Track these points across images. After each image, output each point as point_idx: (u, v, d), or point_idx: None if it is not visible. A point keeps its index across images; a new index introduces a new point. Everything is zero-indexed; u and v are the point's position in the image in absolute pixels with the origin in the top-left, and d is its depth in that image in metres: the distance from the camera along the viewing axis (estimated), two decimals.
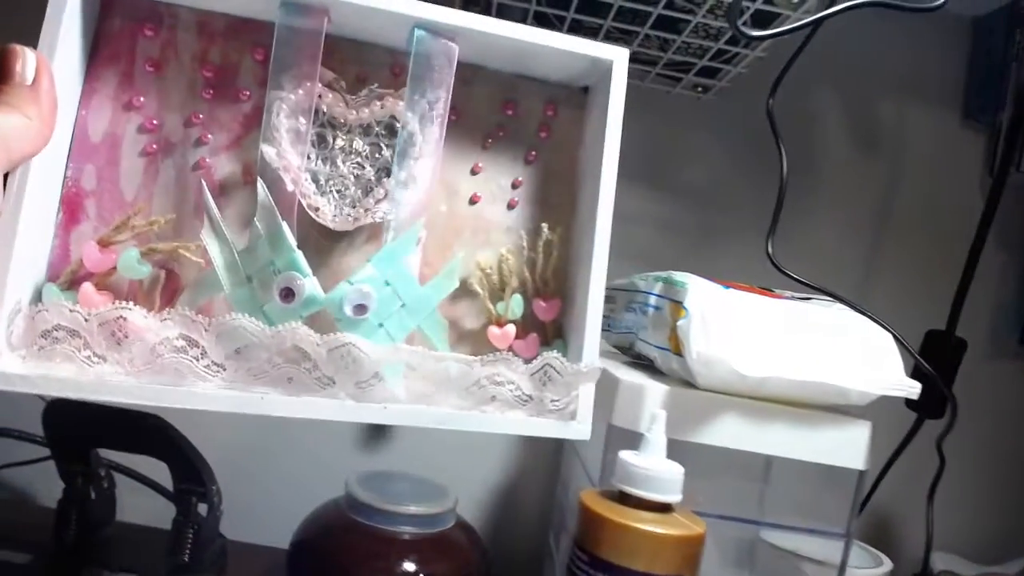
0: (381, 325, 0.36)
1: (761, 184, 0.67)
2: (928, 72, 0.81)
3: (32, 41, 0.32)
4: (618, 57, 0.39)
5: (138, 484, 0.59)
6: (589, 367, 0.37)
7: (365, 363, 0.34)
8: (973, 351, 0.69)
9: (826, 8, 0.55)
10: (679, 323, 0.49)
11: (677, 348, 0.49)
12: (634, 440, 0.43)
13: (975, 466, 0.79)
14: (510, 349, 0.39)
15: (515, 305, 0.39)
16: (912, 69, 0.81)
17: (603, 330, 0.61)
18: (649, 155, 0.77)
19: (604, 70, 0.39)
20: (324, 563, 0.53)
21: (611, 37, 0.66)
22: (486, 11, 0.65)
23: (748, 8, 0.57)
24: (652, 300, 0.55)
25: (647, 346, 0.54)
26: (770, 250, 0.59)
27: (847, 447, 0.48)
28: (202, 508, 0.50)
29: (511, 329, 0.39)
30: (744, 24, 0.54)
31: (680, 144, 0.79)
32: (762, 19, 0.60)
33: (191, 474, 0.49)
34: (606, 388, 0.49)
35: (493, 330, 0.39)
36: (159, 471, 0.52)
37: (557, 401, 0.37)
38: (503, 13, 0.65)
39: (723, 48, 0.64)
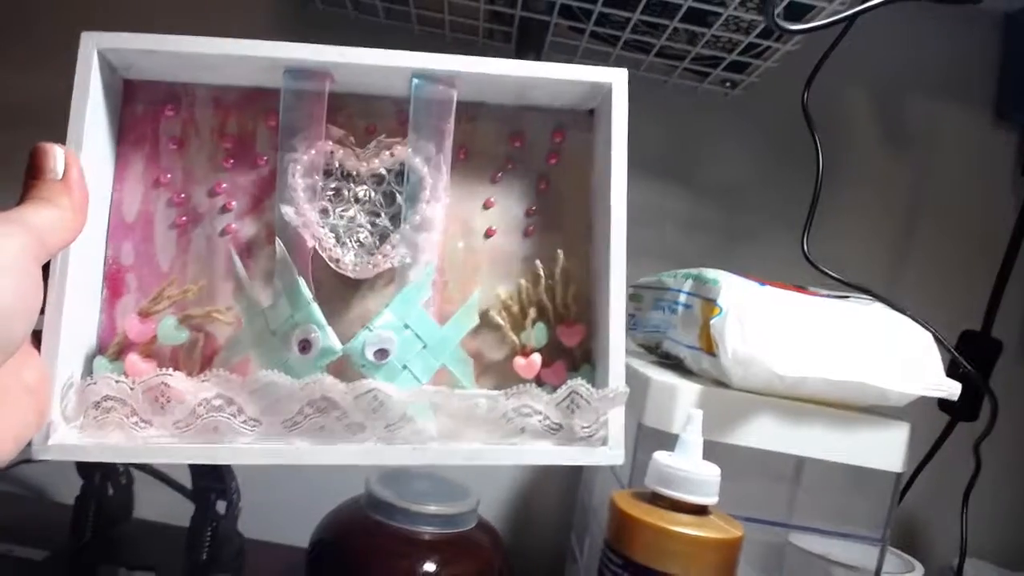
0: (405, 367, 0.37)
1: (789, 181, 0.66)
2: (960, 69, 0.78)
3: (61, 134, 0.35)
4: (617, 79, 0.39)
5: (156, 481, 0.58)
6: (615, 392, 0.37)
7: (392, 406, 0.35)
8: (1008, 353, 0.67)
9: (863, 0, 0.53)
10: (713, 321, 0.48)
11: (710, 347, 0.48)
12: (664, 440, 0.43)
13: (1007, 470, 0.75)
14: (538, 378, 0.39)
15: (538, 333, 0.39)
16: (944, 65, 0.78)
17: (630, 329, 0.62)
18: (676, 152, 0.76)
19: (606, 93, 0.39)
20: (344, 562, 0.53)
21: (638, 31, 0.65)
22: (511, 5, 0.65)
23: (783, 0, 0.56)
24: (682, 298, 0.54)
25: (676, 345, 0.53)
26: (805, 247, 0.57)
27: (884, 449, 0.47)
28: (220, 505, 0.50)
29: (536, 358, 0.39)
30: (778, 16, 0.52)
31: (707, 141, 0.78)
32: (794, 11, 0.58)
33: (210, 471, 0.49)
34: (636, 388, 0.48)
35: (519, 361, 0.39)
36: (177, 468, 0.51)
37: (587, 427, 0.37)
38: (528, 6, 0.65)
39: (754, 42, 0.63)
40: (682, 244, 0.76)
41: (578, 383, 0.37)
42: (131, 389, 0.34)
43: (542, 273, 0.40)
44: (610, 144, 0.39)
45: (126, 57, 0.37)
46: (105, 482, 0.54)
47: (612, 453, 0.37)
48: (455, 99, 0.39)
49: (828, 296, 0.52)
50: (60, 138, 0.34)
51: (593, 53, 0.73)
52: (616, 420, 0.37)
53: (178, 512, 0.53)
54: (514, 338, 0.39)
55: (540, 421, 0.37)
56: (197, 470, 0.50)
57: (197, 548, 0.49)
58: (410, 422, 0.36)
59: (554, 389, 0.38)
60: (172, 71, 0.38)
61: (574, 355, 0.40)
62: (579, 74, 0.39)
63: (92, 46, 0.35)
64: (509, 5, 0.66)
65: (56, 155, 0.33)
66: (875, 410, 0.49)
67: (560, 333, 0.40)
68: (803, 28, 0.53)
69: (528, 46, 0.70)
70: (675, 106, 0.75)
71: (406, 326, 0.38)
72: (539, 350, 0.39)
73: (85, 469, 0.54)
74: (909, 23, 0.75)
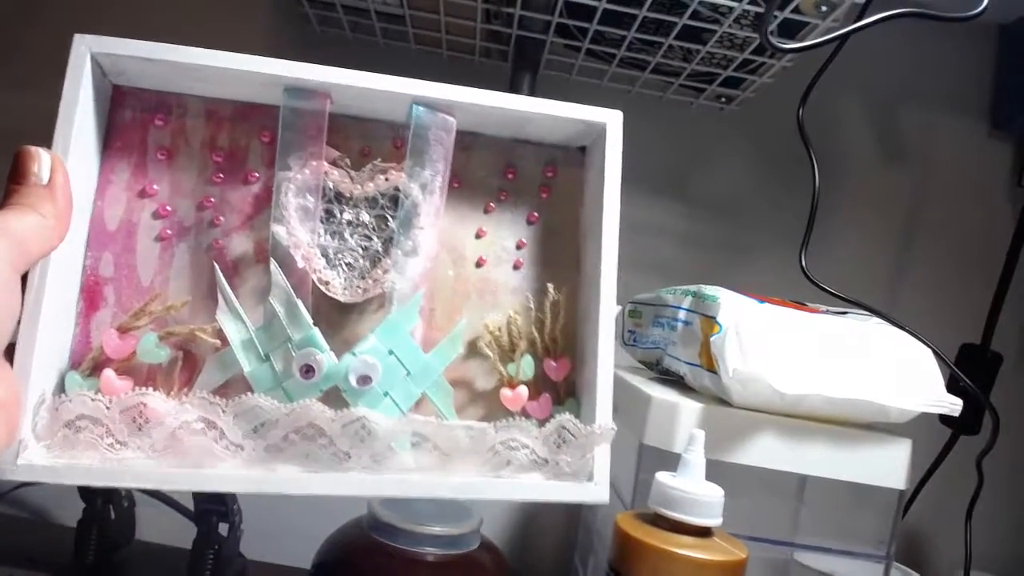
0: (387, 394, 0.37)
1: (786, 196, 0.66)
2: (955, 81, 0.80)
3: (47, 138, 0.33)
4: (611, 120, 0.40)
5: (158, 503, 0.58)
6: (603, 428, 0.37)
7: (380, 435, 0.35)
8: (1008, 365, 0.67)
9: (856, 15, 0.54)
10: (712, 338, 0.48)
11: (710, 364, 0.48)
12: (666, 459, 0.43)
13: (1010, 483, 0.77)
14: (523, 411, 0.39)
15: (526, 366, 0.40)
16: (939, 77, 0.79)
17: (629, 345, 0.62)
18: (671, 168, 0.76)
19: (599, 132, 0.40)
20: None
21: (634, 49, 0.66)
22: (507, 24, 0.66)
23: (776, 18, 0.56)
24: (681, 315, 0.54)
25: (676, 362, 0.53)
26: (804, 263, 0.58)
27: (887, 466, 0.47)
28: (223, 527, 0.50)
29: (523, 391, 0.39)
30: (772, 34, 0.52)
31: (702, 156, 0.78)
32: (789, 28, 0.59)
33: (212, 493, 0.49)
34: (637, 406, 0.48)
35: (505, 392, 0.39)
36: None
37: (572, 463, 0.37)
38: (525, 25, 0.66)
39: (748, 58, 0.64)
40: (679, 259, 0.76)
41: (566, 418, 0.37)
42: (107, 408, 0.33)
43: (532, 305, 0.40)
44: (603, 183, 0.39)
45: (119, 63, 0.36)
46: (107, 505, 0.54)
47: (597, 490, 0.37)
48: (454, 128, 0.39)
49: (827, 312, 0.52)
50: (40, 139, 0.33)
51: (589, 71, 0.74)
52: (602, 456, 0.37)
53: (180, 534, 0.52)
54: (502, 369, 0.39)
55: (527, 455, 0.37)
56: (199, 492, 0.49)
57: (199, 570, 0.49)
58: (395, 453, 0.35)
59: (539, 422, 0.38)
60: (165, 80, 0.37)
61: (559, 389, 0.40)
62: (575, 112, 0.40)
63: (85, 49, 0.34)
64: (505, 24, 0.66)
65: (41, 159, 0.32)
66: (876, 426, 0.49)
67: (547, 366, 0.40)
68: (796, 47, 0.53)
69: (524, 65, 0.71)
70: (671, 122, 0.75)
71: (390, 352, 0.38)
72: (526, 382, 0.39)
73: (87, 492, 0.53)
74: (904, 36, 0.76)
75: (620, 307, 0.44)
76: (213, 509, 0.49)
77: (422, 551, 0.53)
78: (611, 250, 0.39)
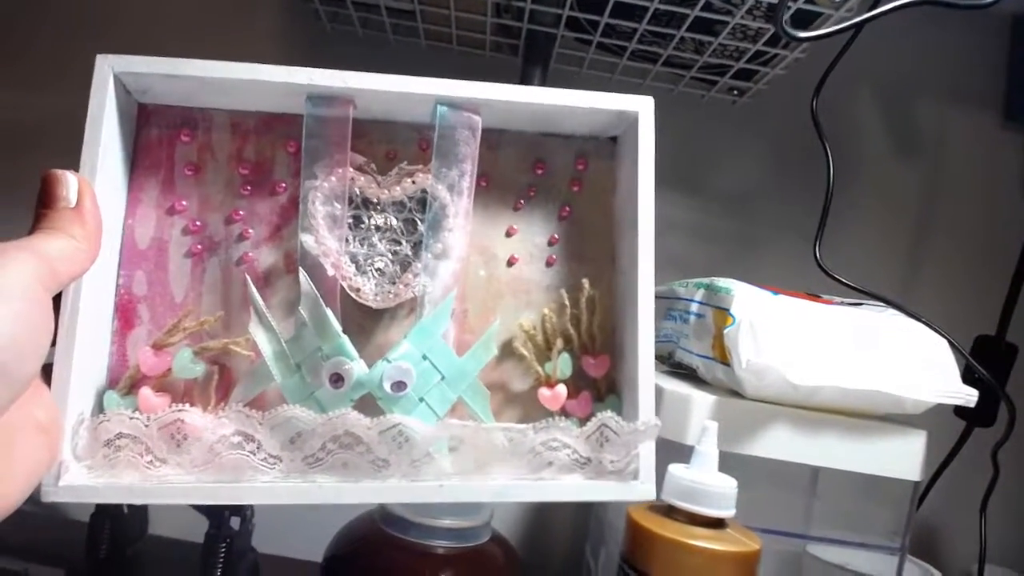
0: (422, 400, 0.36)
1: (800, 188, 0.66)
2: (968, 71, 0.79)
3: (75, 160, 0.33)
4: (643, 107, 0.38)
5: None
6: (647, 424, 0.36)
7: (417, 441, 0.34)
8: (1023, 356, 0.66)
9: (869, 4, 0.53)
10: (726, 331, 0.48)
11: (723, 357, 0.48)
12: (679, 452, 0.43)
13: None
14: (562, 410, 0.38)
15: (563, 364, 0.38)
16: (952, 68, 0.79)
17: None
18: (684, 161, 0.76)
19: (631, 120, 0.39)
20: None
21: (645, 41, 0.65)
22: (518, 18, 0.65)
23: (790, 7, 0.55)
24: (694, 307, 0.53)
25: (689, 355, 0.53)
26: (818, 255, 0.57)
27: (902, 457, 0.47)
28: (234, 521, 0.50)
29: (562, 389, 0.38)
30: (786, 24, 0.52)
31: (715, 149, 0.78)
32: (802, 18, 0.58)
33: None
34: None
35: (544, 392, 0.38)
36: None
37: (616, 462, 0.36)
38: (535, 18, 0.65)
39: (761, 49, 0.63)
40: (693, 252, 0.76)
41: (608, 416, 0.36)
42: (146, 426, 0.33)
43: (567, 302, 0.39)
44: (637, 172, 0.38)
45: (142, 81, 0.36)
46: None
47: (644, 487, 0.36)
48: (480, 127, 0.38)
49: (841, 304, 0.52)
50: (64, 158, 0.33)
51: (600, 64, 0.73)
52: (647, 453, 0.36)
53: (193, 528, 0.53)
54: (539, 369, 0.38)
55: (569, 455, 0.36)
56: None
57: (212, 564, 0.50)
58: (433, 459, 0.35)
59: (580, 420, 0.37)
60: (189, 95, 0.37)
61: (599, 386, 0.39)
62: (606, 102, 0.38)
63: (108, 69, 0.34)
64: (516, 18, 0.65)
65: (68, 183, 0.32)
66: (891, 418, 0.48)
67: (585, 363, 0.39)
68: (811, 36, 0.52)
69: (535, 58, 0.70)
70: (683, 115, 0.75)
71: (424, 357, 0.37)
72: (564, 381, 0.38)
73: None
74: (917, 27, 0.75)
75: None
76: (225, 503, 0.49)
77: (433, 544, 0.53)
78: (647, 241, 0.38)
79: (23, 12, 0.75)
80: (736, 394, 0.48)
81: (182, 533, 0.58)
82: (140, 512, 0.56)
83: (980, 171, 0.79)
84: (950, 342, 0.49)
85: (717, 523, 0.40)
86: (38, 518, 0.68)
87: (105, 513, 0.53)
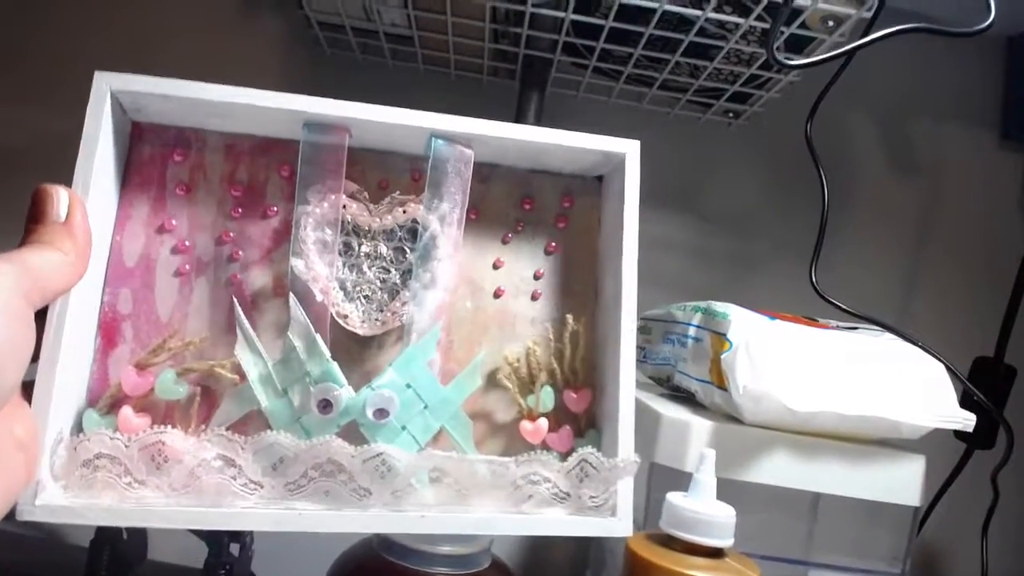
0: (404, 428, 0.37)
1: (796, 211, 0.65)
2: (965, 92, 0.79)
3: (68, 174, 0.33)
4: (630, 150, 0.40)
5: None
6: (626, 461, 0.36)
7: (400, 471, 0.34)
8: (1022, 378, 0.67)
9: (863, 30, 0.54)
10: (723, 356, 0.48)
11: (720, 381, 0.48)
12: (678, 478, 0.42)
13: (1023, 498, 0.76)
14: (544, 443, 0.39)
15: (545, 398, 0.39)
16: (948, 89, 0.79)
17: (639, 361, 0.61)
18: (680, 183, 0.76)
19: (617, 161, 0.40)
20: None
21: (640, 65, 0.66)
22: (515, 44, 0.66)
23: (782, 33, 0.56)
24: (691, 331, 0.54)
25: (687, 379, 0.53)
26: (814, 279, 0.57)
27: (901, 483, 0.47)
28: (234, 547, 0.50)
29: (543, 423, 0.39)
30: (778, 49, 0.53)
31: (711, 171, 0.78)
32: (796, 43, 0.59)
33: None
34: (647, 424, 0.47)
35: (525, 425, 0.39)
36: None
37: (595, 497, 0.36)
38: (532, 44, 0.66)
39: (755, 73, 0.64)
40: (689, 274, 0.75)
41: (588, 451, 0.36)
42: (126, 447, 0.32)
43: (551, 336, 0.40)
44: (623, 212, 0.39)
45: (138, 99, 0.36)
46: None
47: (620, 524, 0.36)
48: (472, 160, 0.39)
49: (838, 328, 0.52)
50: (55, 173, 0.33)
51: (596, 87, 0.75)
52: (625, 490, 0.37)
53: (192, 554, 0.52)
54: (521, 402, 0.39)
55: (549, 489, 0.36)
56: None
57: None
58: (415, 489, 0.35)
59: (560, 455, 0.38)
60: (184, 116, 0.37)
61: (580, 420, 0.40)
62: (594, 143, 0.40)
63: (105, 87, 0.34)
64: (513, 44, 0.67)
65: (60, 198, 0.32)
66: (889, 443, 0.49)
67: (567, 398, 0.40)
68: (803, 63, 0.53)
69: (532, 83, 0.71)
70: (679, 137, 0.75)
71: (408, 386, 0.37)
72: (546, 414, 0.39)
73: None
74: (912, 49, 0.76)
75: None
76: (224, 529, 0.48)
77: (432, 571, 0.52)
78: (631, 279, 0.39)
79: (18, 27, 0.74)
80: (734, 419, 0.48)
81: (182, 559, 0.57)
82: (140, 537, 0.55)
83: (977, 191, 0.79)
84: (947, 365, 0.49)
85: (716, 552, 0.40)
86: (38, 543, 0.67)
87: (105, 538, 0.52)
